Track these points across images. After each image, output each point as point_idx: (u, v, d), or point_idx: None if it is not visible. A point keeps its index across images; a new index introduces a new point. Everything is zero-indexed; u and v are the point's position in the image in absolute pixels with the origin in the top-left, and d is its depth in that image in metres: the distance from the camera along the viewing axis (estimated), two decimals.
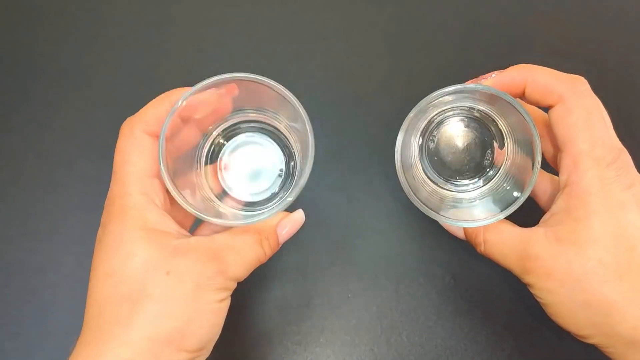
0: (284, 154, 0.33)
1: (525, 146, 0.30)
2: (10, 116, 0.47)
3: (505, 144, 0.33)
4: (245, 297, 0.39)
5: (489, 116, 0.33)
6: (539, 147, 0.27)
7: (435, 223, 0.41)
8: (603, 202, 0.25)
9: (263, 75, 0.29)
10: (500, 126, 0.33)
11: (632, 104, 0.47)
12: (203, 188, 0.31)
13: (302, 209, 0.42)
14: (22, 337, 0.38)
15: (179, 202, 0.26)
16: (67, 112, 0.47)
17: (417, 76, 0.50)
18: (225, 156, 0.32)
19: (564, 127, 0.27)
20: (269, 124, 0.33)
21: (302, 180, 0.27)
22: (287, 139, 0.32)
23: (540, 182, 0.31)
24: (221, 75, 0.28)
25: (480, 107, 0.33)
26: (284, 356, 0.37)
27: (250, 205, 0.32)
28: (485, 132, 0.34)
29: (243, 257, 0.26)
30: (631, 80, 0.49)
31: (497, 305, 0.39)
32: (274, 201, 0.31)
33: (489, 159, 0.34)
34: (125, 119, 0.47)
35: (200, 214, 0.26)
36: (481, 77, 0.30)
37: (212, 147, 0.32)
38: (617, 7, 0.52)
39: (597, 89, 0.29)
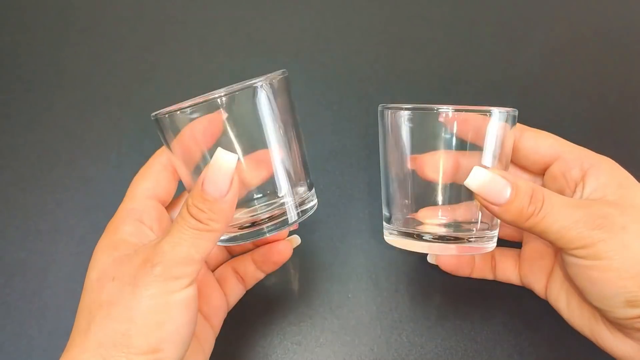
0: None
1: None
2: (10, 116, 0.47)
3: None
4: (245, 297, 0.39)
5: None
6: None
7: None
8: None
9: (263, 76, 0.29)
10: None
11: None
12: None
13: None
14: (23, 337, 0.38)
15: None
16: (67, 112, 0.47)
17: (417, 76, 0.50)
18: None
19: (542, 146, 0.30)
20: None
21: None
22: None
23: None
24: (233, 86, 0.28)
25: None
26: (284, 356, 0.38)
27: None
28: None
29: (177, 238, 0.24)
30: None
31: (497, 305, 0.39)
32: None
33: None
34: (125, 119, 0.47)
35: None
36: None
37: None
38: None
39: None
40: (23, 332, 0.38)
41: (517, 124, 0.30)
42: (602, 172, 0.28)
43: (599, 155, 0.29)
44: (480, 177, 0.25)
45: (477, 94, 0.48)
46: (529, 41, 0.51)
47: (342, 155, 0.45)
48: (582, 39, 0.51)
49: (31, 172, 0.44)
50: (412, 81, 0.50)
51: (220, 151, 0.24)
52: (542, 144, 0.30)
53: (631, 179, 0.28)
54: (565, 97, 0.48)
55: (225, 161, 0.24)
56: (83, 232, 0.42)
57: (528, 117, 0.32)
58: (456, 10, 0.54)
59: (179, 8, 0.54)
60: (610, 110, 0.47)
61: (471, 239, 0.28)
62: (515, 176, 0.27)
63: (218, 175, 0.24)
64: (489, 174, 0.25)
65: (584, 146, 0.30)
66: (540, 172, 0.31)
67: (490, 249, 0.29)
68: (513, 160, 0.31)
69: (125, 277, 0.23)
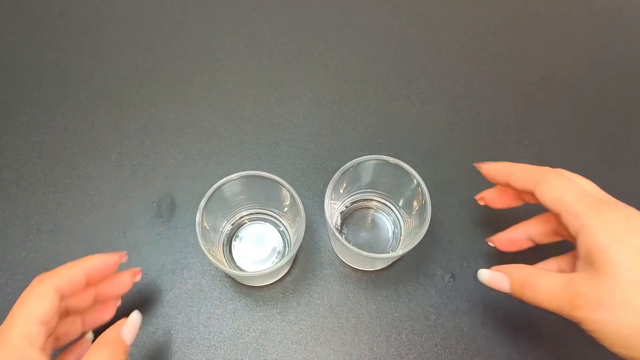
0: (282, 238, 0.41)
1: (417, 211, 0.37)
2: (12, 117, 0.47)
3: (402, 221, 0.40)
4: (246, 297, 0.39)
5: (387, 204, 0.42)
6: (426, 190, 0.35)
7: (435, 222, 0.41)
8: (613, 232, 0.28)
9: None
10: (396, 209, 0.41)
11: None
12: (221, 258, 0.39)
13: (302, 207, 0.43)
14: None
15: (206, 255, 0.33)
16: (68, 112, 0.47)
17: (416, 77, 0.50)
18: (238, 240, 0.41)
19: (549, 195, 0.31)
20: (269, 214, 0.41)
21: (295, 248, 0.35)
22: (286, 227, 0.41)
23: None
24: (244, 172, 0.36)
25: (380, 199, 0.42)
26: (284, 356, 0.38)
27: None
28: (386, 217, 0.42)
29: None
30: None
31: (497, 305, 0.39)
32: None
33: (392, 234, 0.41)
34: (124, 119, 0.47)
35: (217, 263, 0.33)
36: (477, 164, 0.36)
37: (229, 232, 0.41)
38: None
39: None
40: None
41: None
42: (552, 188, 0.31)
43: (543, 169, 0.33)
44: (483, 277, 0.33)
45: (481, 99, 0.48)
46: (527, 21, 0.51)
47: (342, 156, 0.45)
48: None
49: (32, 172, 0.44)
50: (412, 81, 0.50)
51: (136, 312, 0.31)
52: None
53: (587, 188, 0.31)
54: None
55: (138, 320, 0.31)
56: (83, 231, 0.42)
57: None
58: (457, 10, 0.54)
59: (180, 8, 0.54)
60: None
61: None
62: (513, 266, 0.32)
63: (133, 329, 0.31)
64: (487, 274, 0.32)
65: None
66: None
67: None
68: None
69: None
